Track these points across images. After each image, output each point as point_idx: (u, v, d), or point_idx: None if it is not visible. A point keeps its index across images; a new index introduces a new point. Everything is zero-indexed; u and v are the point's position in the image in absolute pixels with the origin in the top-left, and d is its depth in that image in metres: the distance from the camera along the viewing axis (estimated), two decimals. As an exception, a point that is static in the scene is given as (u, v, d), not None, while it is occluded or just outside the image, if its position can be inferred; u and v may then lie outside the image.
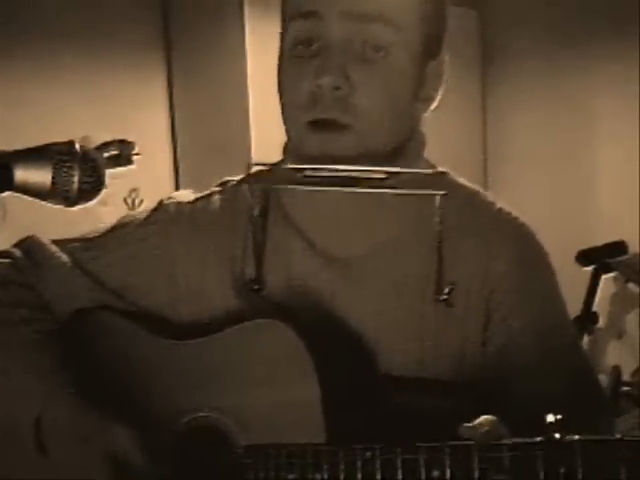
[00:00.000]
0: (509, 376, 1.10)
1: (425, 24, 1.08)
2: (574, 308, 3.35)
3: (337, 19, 1.03)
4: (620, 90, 3.69)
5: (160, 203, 1.23)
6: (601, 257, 3.46)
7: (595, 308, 3.50)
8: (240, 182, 1.20)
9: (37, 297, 1.20)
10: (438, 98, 1.14)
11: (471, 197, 1.16)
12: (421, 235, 1.11)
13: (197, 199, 1.22)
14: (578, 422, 0.83)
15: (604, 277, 3.50)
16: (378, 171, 1.03)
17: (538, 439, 0.83)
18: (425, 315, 1.09)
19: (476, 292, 1.10)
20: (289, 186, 1.10)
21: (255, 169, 1.17)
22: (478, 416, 0.90)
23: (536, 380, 1.09)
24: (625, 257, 3.48)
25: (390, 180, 1.03)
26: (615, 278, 3.59)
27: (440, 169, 1.15)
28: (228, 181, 1.23)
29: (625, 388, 3.28)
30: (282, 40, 1.10)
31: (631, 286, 3.59)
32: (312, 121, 1.05)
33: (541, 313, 1.13)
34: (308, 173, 1.03)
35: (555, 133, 3.91)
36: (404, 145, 1.12)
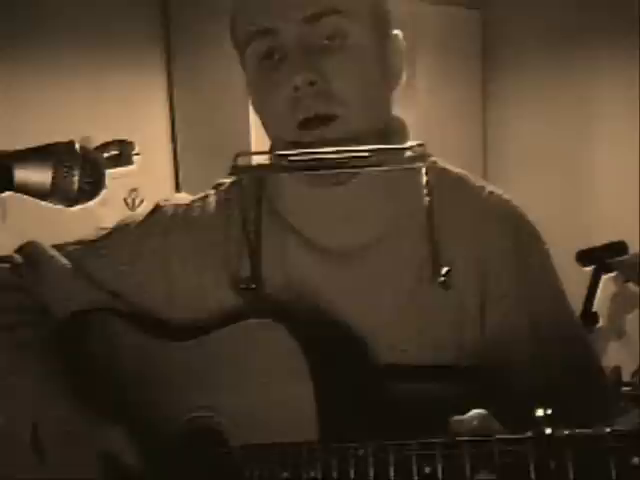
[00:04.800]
0: (507, 357, 1.10)
1: (372, 4, 1.10)
2: (574, 308, 3.35)
3: (291, 28, 1.05)
4: (620, 91, 3.70)
5: (157, 206, 1.24)
6: (601, 257, 3.47)
7: (595, 308, 3.50)
8: (229, 174, 1.21)
9: (36, 301, 1.21)
10: (403, 74, 1.15)
11: (461, 181, 1.17)
12: (414, 221, 1.11)
13: (193, 201, 1.23)
14: (578, 408, 0.83)
15: (604, 277, 3.50)
16: (365, 150, 1.03)
17: (528, 434, 0.83)
18: (423, 301, 1.09)
19: (471, 274, 1.10)
20: (276, 177, 1.11)
21: (242, 160, 1.17)
22: (478, 404, 0.91)
23: (534, 361, 1.10)
24: (625, 257, 3.48)
25: (375, 159, 1.03)
26: (615, 278, 3.59)
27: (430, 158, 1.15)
28: (222, 183, 1.24)
29: (625, 388, 3.28)
30: (244, 64, 1.12)
31: (631, 286, 3.59)
32: (301, 122, 1.06)
33: (536, 293, 1.13)
34: (293, 159, 1.03)
35: (555, 133, 3.92)
36: (388, 132, 1.13)
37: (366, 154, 1.02)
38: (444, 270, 1.06)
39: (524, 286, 1.12)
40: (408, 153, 1.03)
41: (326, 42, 1.06)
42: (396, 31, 1.14)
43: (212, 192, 1.24)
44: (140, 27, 3.52)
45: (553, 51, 3.87)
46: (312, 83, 1.04)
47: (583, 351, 1.17)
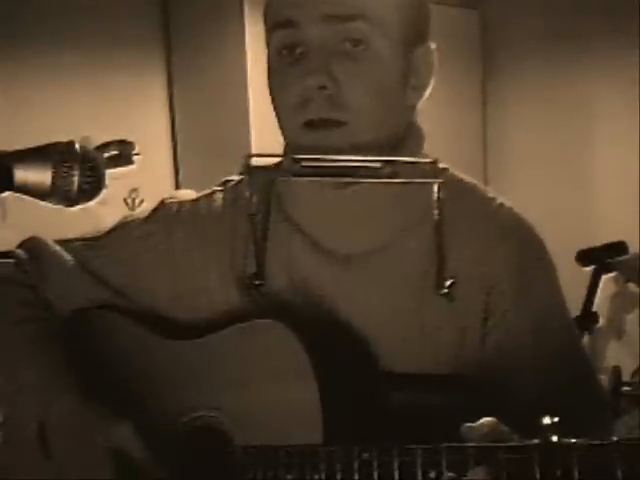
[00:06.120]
0: (508, 371, 1.10)
1: (402, 13, 1.09)
2: (574, 308, 3.34)
3: (313, 24, 1.05)
4: (620, 90, 3.69)
5: (162, 202, 1.24)
6: (601, 257, 3.46)
7: (595, 308, 3.50)
8: (240, 174, 1.21)
9: (40, 296, 1.21)
10: (430, 86, 1.14)
11: (471, 191, 1.16)
12: (421, 231, 1.11)
13: (199, 198, 1.23)
14: (575, 421, 0.83)
15: (604, 277, 3.50)
16: (376, 161, 1.03)
17: (535, 441, 0.83)
18: (426, 311, 1.09)
19: (476, 287, 1.10)
20: (288, 177, 1.10)
21: (254, 161, 1.17)
22: (477, 413, 0.90)
23: (534, 376, 1.10)
24: (625, 257, 3.48)
25: (387, 170, 1.03)
26: (615, 278, 3.59)
27: (441, 165, 1.14)
28: (229, 180, 1.24)
29: (625, 388, 3.28)
30: (268, 49, 1.12)
31: (631, 286, 3.59)
32: (306, 122, 1.06)
33: (541, 309, 1.13)
34: (305, 164, 1.04)
35: (555, 133, 3.91)
36: (402, 140, 1.12)
37: (379, 165, 1.02)
38: (448, 282, 1.06)
39: (528, 301, 1.11)
40: (421, 167, 1.04)
41: (348, 47, 1.06)
42: (431, 44, 1.14)
43: (219, 189, 1.23)
44: (140, 27, 3.51)
45: (553, 50, 3.87)
46: (322, 87, 1.05)
47: (585, 372, 1.18)
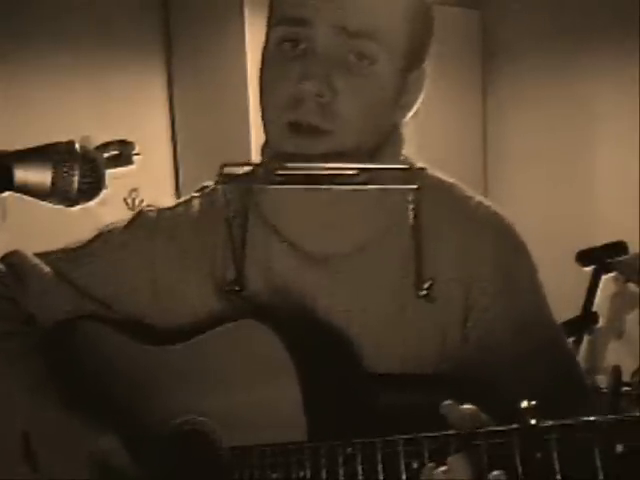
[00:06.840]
0: (490, 369, 1.09)
1: (410, 40, 1.09)
2: (574, 308, 3.36)
3: (325, 29, 1.04)
4: (621, 90, 3.70)
5: (140, 212, 1.24)
6: (601, 257, 3.47)
7: (595, 308, 3.51)
8: (216, 184, 1.21)
9: (20, 310, 1.21)
10: (416, 106, 1.15)
11: (449, 191, 1.16)
12: (400, 232, 1.10)
13: (177, 204, 1.23)
14: (558, 415, 0.83)
15: (604, 277, 3.51)
16: (354, 168, 1.03)
17: (514, 426, 0.83)
18: (406, 311, 1.09)
19: (456, 286, 1.10)
20: (263, 186, 1.10)
21: (229, 170, 1.16)
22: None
23: (517, 373, 1.09)
24: (625, 257, 3.49)
25: (364, 176, 1.03)
26: (615, 278, 3.59)
27: (418, 165, 1.14)
28: (207, 186, 1.24)
29: (625, 388, 3.28)
30: (266, 42, 1.11)
31: (631, 286, 3.59)
32: (292, 122, 1.05)
33: (521, 305, 1.13)
34: (283, 172, 1.04)
35: (555, 133, 3.92)
36: (382, 145, 1.12)
37: (355, 172, 1.02)
38: (427, 284, 1.07)
39: (508, 299, 1.11)
40: (398, 173, 1.04)
41: (352, 59, 1.05)
42: (426, 67, 1.14)
43: (196, 195, 1.23)
44: (140, 27, 3.52)
45: (553, 51, 3.87)
46: (319, 95, 1.04)
47: (565, 359, 1.18)
